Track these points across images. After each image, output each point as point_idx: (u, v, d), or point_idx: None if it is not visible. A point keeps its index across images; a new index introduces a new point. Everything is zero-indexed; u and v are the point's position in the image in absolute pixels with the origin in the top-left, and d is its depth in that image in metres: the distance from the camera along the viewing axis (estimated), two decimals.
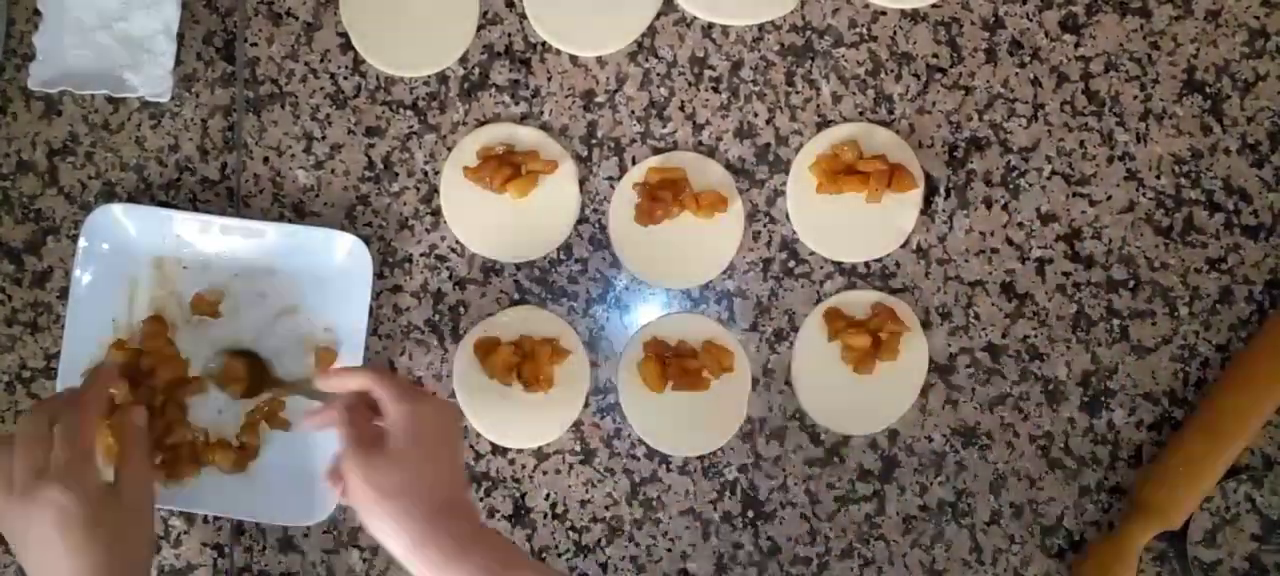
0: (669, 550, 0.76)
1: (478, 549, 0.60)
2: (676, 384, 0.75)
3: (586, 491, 0.77)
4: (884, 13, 0.76)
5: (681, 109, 0.77)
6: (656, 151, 0.77)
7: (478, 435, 0.77)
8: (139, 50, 0.77)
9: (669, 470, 0.77)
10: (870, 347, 0.74)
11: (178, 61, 0.78)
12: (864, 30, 0.76)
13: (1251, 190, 0.75)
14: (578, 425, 0.77)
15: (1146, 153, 0.75)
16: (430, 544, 0.59)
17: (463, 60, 0.78)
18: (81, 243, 0.75)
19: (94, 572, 0.62)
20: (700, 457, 0.76)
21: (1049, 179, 0.76)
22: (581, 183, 0.77)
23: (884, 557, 0.76)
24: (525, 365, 0.75)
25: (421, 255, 0.78)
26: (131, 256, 0.76)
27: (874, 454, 0.76)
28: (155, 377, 0.75)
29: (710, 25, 0.77)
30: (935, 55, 0.76)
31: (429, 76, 0.78)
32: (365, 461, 0.61)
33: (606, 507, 0.77)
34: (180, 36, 0.78)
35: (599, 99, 0.77)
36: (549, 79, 0.77)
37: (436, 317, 0.77)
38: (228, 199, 0.78)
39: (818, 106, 0.76)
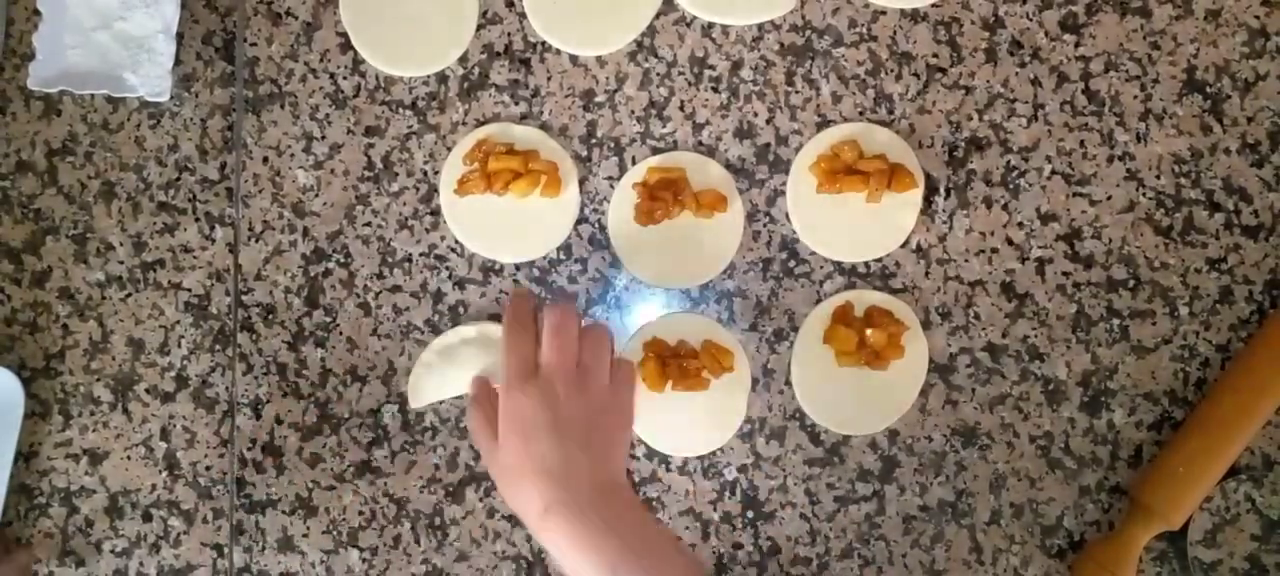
0: None
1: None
2: (676, 384, 0.74)
3: None
4: (884, 12, 0.76)
5: (681, 109, 0.77)
6: (656, 151, 0.77)
7: None
8: (138, 50, 0.77)
9: (669, 470, 0.77)
10: (870, 348, 0.74)
11: (177, 61, 0.78)
12: (864, 30, 0.76)
13: (1251, 190, 0.75)
14: None
15: (1146, 153, 0.75)
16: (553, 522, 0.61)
17: (462, 60, 0.78)
18: None
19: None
20: (700, 457, 0.76)
21: (1049, 179, 0.76)
22: (581, 183, 0.77)
23: (884, 557, 0.76)
24: None
25: (421, 255, 0.78)
26: None
27: (874, 454, 0.76)
28: None
29: (710, 25, 0.77)
30: (935, 55, 0.76)
31: (429, 76, 0.78)
32: (488, 448, 0.66)
33: None
34: (180, 36, 0.78)
35: (599, 99, 0.77)
36: (549, 79, 0.77)
37: (436, 318, 0.77)
38: (227, 199, 0.78)
39: (818, 106, 0.76)
